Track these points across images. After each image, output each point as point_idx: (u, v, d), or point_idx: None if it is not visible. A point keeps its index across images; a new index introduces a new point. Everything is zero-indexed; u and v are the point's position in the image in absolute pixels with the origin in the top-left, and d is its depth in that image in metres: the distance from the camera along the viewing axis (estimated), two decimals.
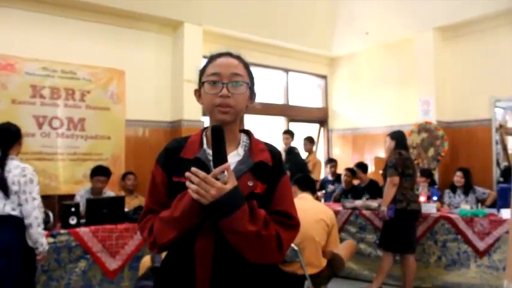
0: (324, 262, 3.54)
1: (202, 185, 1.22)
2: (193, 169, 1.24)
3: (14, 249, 3.04)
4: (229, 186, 1.24)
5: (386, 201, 4.49)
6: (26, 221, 3.07)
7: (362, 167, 6.40)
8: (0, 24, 5.18)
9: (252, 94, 1.50)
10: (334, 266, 3.60)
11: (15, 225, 3.07)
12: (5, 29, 5.20)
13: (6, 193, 3.05)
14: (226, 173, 1.25)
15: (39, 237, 3.11)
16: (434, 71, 6.75)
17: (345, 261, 3.68)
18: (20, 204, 3.08)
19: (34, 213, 3.08)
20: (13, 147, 3.24)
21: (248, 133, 1.52)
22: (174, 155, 1.44)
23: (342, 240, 5.31)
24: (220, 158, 1.26)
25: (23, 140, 3.40)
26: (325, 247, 3.55)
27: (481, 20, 6.33)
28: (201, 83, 1.45)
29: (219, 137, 1.27)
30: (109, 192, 4.90)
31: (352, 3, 7.89)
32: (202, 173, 1.23)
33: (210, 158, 1.34)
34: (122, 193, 5.25)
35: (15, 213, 3.07)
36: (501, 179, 6.08)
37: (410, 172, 4.55)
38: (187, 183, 1.25)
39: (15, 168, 3.12)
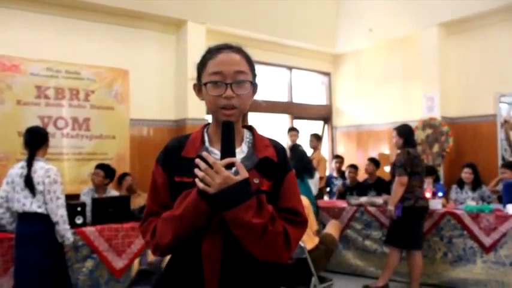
0: (316, 239, 4.00)
1: (209, 172, 1.19)
2: (204, 153, 1.21)
3: (42, 240, 3.36)
4: (238, 178, 1.20)
5: (394, 200, 4.47)
6: (53, 219, 3.37)
7: (375, 162, 6.38)
8: (4, 25, 5.19)
9: (255, 87, 1.43)
10: (327, 243, 4.05)
11: (42, 220, 3.37)
12: (9, 30, 5.22)
13: (33, 191, 3.35)
14: (233, 170, 1.22)
15: (65, 232, 3.44)
16: (439, 67, 6.73)
17: (334, 236, 4.26)
18: (45, 203, 3.36)
19: (59, 212, 3.39)
20: (40, 149, 3.52)
21: (251, 129, 1.48)
22: (174, 154, 1.39)
23: (347, 237, 5.35)
24: (229, 153, 1.23)
25: (48, 142, 3.66)
26: (311, 227, 4.02)
27: (486, 16, 6.30)
28: (201, 82, 1.39)
29: (228, 132, 1.24)
30: (113, 192, 4.92)
31: (355, 0, 7.86)
32: (211, 158, 1.20)
33: (213, 156, 1.30)
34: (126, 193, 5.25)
35: (41, 210, 3.37)
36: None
37: (419, 170, 4.53)
38: (196, 170, 1.21)
39: (40, 169, 3.40)
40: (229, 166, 1.22)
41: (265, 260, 1.31)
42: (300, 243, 3.39)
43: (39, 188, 3.35)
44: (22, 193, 3.36)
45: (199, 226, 1.27)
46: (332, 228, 4.39)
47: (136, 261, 3.38)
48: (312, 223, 4.06)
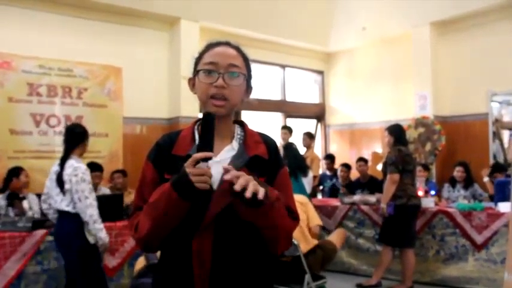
0: (312, 241, 3.85)
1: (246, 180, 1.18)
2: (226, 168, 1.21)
3: (73, 238, 3.28)
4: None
5: (385, 198, 4.50)
6: (83, 219, 3.27)
7: (365, 160, 6.40)
8: None
9: (249, 88, 1.44)
10: (325, 249, 3.91)
11: (71, 219, 3.29)
12: (1, 27, 5.17)
13: (62, 190, 3.29)
14: (208, 163, 1.20)
15: (97, 232, 3.31)
16: (431, 65, 6.76)
17: (336, 245, 4.07)
18: (73, 202, 3.28)
19: (88, 212, 3.27)
20: (77, 147, 3.44)
21: (242, 124, 1.46)
22: (165, 151, 1.37)
23: None
24: (206, 147, 1.21)
25: (87, 140, 3.56)
26: (308, 225, 3.88)
27: (478, 14, 6.34)
28: (196, 72, 1.39)
29: (208, 125, 1.23)
30: (104, 189, 4.89)
31: None
32: (208, 171, 1.20)
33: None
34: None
35: (69, 209, 3.29)
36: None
37: (411, 168, 4.56)
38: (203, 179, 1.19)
39: (69, 167, 3.31)
40: (204, 160, 1.19)
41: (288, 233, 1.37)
42: (294, 240, 3.39)
43: (67, 186, 3.29)
44: (56, 190, 3.35)
45: (176, 217, 1.25)
46: (335, 236, 4.27)
47: (141, 259, 3.36)
48: (314, 218, 3.95)
